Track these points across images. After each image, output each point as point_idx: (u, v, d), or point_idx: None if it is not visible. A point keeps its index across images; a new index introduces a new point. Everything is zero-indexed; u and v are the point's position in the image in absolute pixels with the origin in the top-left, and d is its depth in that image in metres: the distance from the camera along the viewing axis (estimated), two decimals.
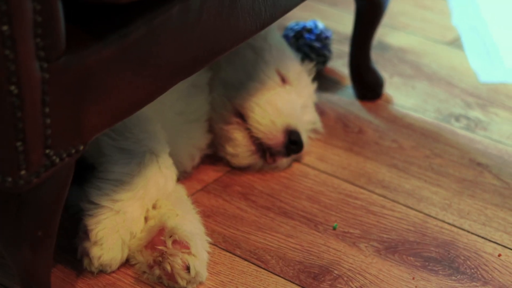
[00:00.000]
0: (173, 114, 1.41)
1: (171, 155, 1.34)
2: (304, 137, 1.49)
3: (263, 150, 1.48)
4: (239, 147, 1.48)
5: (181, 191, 1.38)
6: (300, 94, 1.53)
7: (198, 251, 1.26)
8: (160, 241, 1.25)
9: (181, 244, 1.25)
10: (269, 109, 1.47)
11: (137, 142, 1.29)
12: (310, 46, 1.72)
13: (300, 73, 1.55)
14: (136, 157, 1.28)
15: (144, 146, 1.29)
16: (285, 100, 1.49)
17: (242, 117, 1.48)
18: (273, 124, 1.46)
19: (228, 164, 1.51)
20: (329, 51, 1.75)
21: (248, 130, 1.47)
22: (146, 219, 1.30)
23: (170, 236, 1.25)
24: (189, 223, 1.30)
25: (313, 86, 1.57)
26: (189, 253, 1.25)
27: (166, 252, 1.25)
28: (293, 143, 1.46)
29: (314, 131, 1.59)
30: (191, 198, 1.38)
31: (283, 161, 1.50)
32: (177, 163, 1.35)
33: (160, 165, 1.30)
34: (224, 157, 1.51)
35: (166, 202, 1.32)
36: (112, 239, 1.25)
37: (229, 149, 1.48)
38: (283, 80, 1.52)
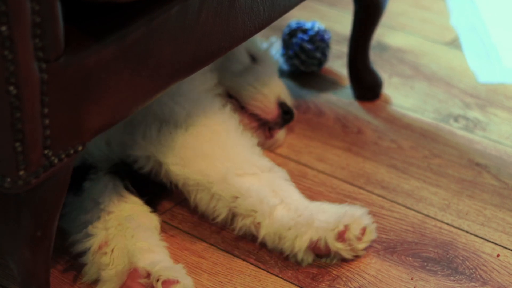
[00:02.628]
0: None
1: None
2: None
3: (262, 126, 1.52)
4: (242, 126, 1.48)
5: (153, 220, 1.33)
6: (269, 70, 1.57)
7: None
8: (136, 284, 1.21)
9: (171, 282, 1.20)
10: (258, 86, 1.50)
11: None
12: (301, 46, 1.72)
13: (265, 51, 1.60)
14: None
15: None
16: (267, 75, 1.53)
17: (234, 97, 1.51)
18: (266, 99, 1.50)
19: None
20: (323, 54, 1.73)
21: (244, 109, 1.50)
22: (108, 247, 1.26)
23: (157, 280, 1.19)
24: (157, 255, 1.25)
25: (277, 62, 1.62)
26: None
27: None
28: (286, 113, 1.52)
29: None
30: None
31: (279, 134, 1.54)
32: None
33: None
34: None
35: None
36: None
37: None
38: (253, 59, 1.56)
